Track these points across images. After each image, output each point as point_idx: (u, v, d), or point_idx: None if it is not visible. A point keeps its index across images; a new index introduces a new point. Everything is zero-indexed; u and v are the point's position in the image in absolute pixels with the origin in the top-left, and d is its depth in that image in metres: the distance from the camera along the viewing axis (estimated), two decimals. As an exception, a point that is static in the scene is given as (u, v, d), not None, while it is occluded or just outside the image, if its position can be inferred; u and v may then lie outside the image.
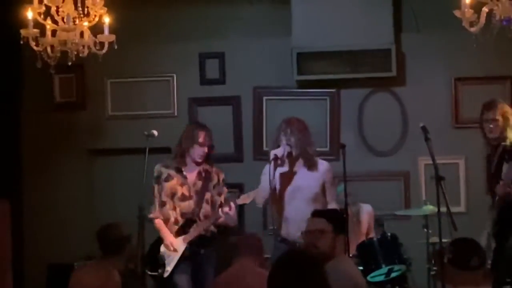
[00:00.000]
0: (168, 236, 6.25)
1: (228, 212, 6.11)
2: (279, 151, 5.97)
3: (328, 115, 7.59)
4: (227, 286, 4.92)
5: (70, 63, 5.75)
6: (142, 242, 6.09)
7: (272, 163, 5.91)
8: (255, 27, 7.68)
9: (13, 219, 7.33)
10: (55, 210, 7.78)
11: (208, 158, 6.34)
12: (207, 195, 6.30)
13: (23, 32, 5.65)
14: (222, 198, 6.32)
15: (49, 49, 5.70)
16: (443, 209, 5.58)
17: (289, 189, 6.06)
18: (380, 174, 7.52)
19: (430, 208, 6.39)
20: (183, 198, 6.29)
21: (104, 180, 7.83)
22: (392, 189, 7.49)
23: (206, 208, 6.29)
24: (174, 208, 6.29)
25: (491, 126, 5.93)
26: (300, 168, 6.09)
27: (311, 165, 6.06)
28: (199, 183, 6.31)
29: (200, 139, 6.24)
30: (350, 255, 5.98)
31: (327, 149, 7.44)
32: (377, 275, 6.21)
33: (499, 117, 5.93)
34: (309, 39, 7.39)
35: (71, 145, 7.84)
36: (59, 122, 7.84)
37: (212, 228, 6.28)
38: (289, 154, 6.04)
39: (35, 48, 5.68)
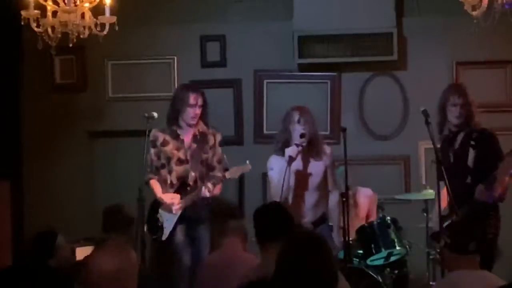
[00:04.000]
0: (159, 191, 6.22)
1: (207, 193, 6.07)
2: (292, 152, 5.84)
3: (329, 98, 7.58)
4: (215, 268, 4.92)
5: (70, 45, 5.73)
6: (142, 223, 6.11)
7: (287, 167, 5.76)
8: (256, 10, 7.66)
9: (14, 201, 7.34)
10: (55, 192, 7.78)
11: (204, 119, 6.28)
12: (203, 157, 6.27)
13: (23, 13, 5.64)
14: (215, 160, 6.29)
15: (49, 31, 5.69)
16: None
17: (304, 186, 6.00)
18: (381, 158, 7.52)
19: (430, 192, 6.39)
20: (179, 162, 6.26)
21: (104, 162, 7.82)
22: (392, 173, 7.49)
23: (201, 170, 6.25)
24: (170, 173, 6.27)
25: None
26: (310, 162, 6.01)
27: (317, 155, 6.00)
28: (195, 146, 6.27)
29: (191, 100, 6.19)
30: (350, 240, 5.99)
31: (327, 132, 7.43)
32: (377, 259, 6.23)
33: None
34: (311, 23, 7.36)
35: (71, 127, 7.83)
36: (59, 104, 7.83)
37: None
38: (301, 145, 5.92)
39: (35, 29, 5.67)
